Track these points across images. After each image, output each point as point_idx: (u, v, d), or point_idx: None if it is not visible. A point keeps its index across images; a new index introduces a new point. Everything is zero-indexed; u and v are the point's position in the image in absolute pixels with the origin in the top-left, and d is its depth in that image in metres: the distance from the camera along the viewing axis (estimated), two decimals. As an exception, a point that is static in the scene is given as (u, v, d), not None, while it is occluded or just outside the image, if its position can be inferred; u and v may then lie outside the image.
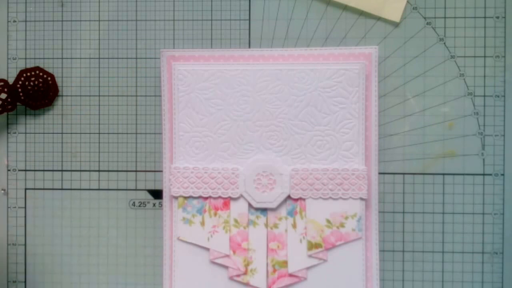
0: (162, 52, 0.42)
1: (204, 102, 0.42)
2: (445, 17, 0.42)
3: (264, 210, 0.42)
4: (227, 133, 0.42)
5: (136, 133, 0.44)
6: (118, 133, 0.44)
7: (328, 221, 0.41)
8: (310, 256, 0.41)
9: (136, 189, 0.44)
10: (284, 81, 0.41)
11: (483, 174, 0.42)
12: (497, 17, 0.42)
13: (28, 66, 0.44)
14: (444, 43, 0.42)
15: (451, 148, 0.43)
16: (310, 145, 0.42)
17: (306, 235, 0.41)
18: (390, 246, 0.43)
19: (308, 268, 0.41)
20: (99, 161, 0.44)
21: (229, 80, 0.42)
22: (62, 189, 0.44)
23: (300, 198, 0.42)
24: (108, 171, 0.44)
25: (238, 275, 0.41)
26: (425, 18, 0.43)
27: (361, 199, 0.41)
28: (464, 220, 0.42)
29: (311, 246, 0.41)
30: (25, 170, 0.44)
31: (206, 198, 0.42)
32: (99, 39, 0.44)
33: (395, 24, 0.43)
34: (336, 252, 0.41)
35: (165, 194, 0.43)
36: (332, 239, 0.41)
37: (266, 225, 0.42)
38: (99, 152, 0.44)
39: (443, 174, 0.43)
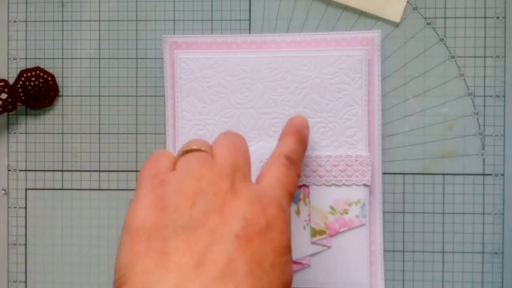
0: (164, 38, 0.42)
1: (207, 90, 0.42)
2: (445, 17, 0.43)
3: None
4: (230, 121, 0.42)
5: (137, 133, 0.44)
6: (118, 133, 0.44)
7: (332, 207, 0.41)
8: (313, 243, 0.41)
9: (136, 189, 0.44)
10: (287, 68, 0.41)
11: (483, 174, 0.42)
12: (497, 17, 0.42)
13: (29, 66, 0.44)
14: (444, 43, 0.42)
15: (451, 148, 0.43)
16: (313, 132, 0.41)
17: (309, 222, 0.41)
18: (390, 246, 0.43)
19: (311, 255, 0.41)
20: (99, 161, 0.44)
21: (232, 68, 0.42)
22: (62, 189, 0.44)
23: (304, 185, 0.41)
24: (109, 171, 0.44)
25: None
26: (425, 18, 0.43)
27: (365, 185, 0.41)
28: (464, 220, 0.42)
29: (315, 233, 0.41)
30: (26, 170, 0.44)
31: None
32: (99, 39, 0.44)
33: (395, 24, 0.43)
34: (340, 239, 0.41)
35: None
36: (336, 226, 0.41)
37: None
38: (99, 152, 0.44)
39: (443, 174, 0.43)
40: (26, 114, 0.45)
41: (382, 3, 0.42)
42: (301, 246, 0.41)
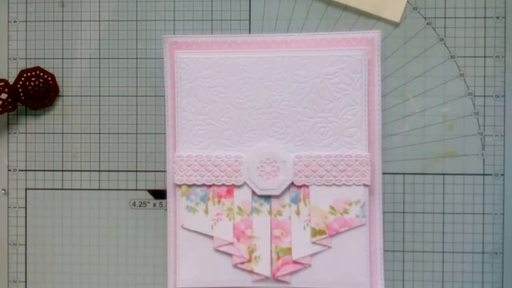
0: (164, 38, 0.42)
1: (207, 90, 0.42)
2: (445, 17, 0.43)
3: (267, 198, 0.42)
4: (230, 121, 0.42)
5: (137, 133, 0.44)
6: (118, 133, 0.44)
7: (332, 207, 0.41)
8: (314, 242, 0.41)
9: (136, 189, 0.44)
10: (287, 68, 0.41)
11: (483, 174, 0.42)
12: (497, 17, 0.42)
13: (29, 66, 0.44)
14: (444, 43, 0.43)
15: (451, 148, 0.43)
16: (313, 132, 0.42)
17: (310, 222, 0.41)
18: (390, 246, 0.43)
19: (312, 255, 0.41)
20: (99, 161, 0.44)
21: (232, 68, 0.42)
22: (62, 189, 0.44)
23: (304, 185, 0.41)
24: (109, 171, 0.44)
25: (242, 263, 0.41)
26: (425, 18, 0.43)
27: (365, 185, 0.41)
28: (464, 220, 0.42)
29: (315, 232, 0.41)
30: (26, 170, 0.44)
31: (209, 186, 0.42)
32: (99, 39, 0.44)
33: (395, 24, 0.43)
34: (340, 239, 0.41)
35: (168, 182, 0.43)
36: (336, 226, 0.41)
37: (270, 213, 0.42)
38: (99, 152, 0.44)
39: (443, 174, 0.43)
40: (26, 114, 0.45)
41: (382, 3, 0.42)
42: (302, 246, 0.41)
